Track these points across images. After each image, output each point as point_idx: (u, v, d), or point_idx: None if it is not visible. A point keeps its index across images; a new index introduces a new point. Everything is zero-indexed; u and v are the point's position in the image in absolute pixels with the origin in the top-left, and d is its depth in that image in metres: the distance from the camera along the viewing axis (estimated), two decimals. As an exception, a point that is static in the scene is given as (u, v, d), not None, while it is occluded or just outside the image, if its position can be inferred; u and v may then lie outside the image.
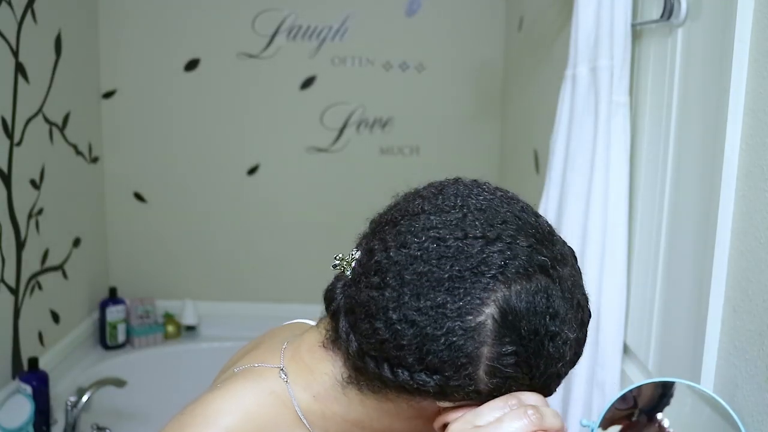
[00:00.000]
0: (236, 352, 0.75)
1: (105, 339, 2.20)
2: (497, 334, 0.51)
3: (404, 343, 0.52)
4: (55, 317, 1.94)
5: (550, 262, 0.54)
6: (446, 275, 0.52)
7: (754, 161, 0.75)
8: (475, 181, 0.59)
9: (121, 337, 2.22)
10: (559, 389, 1.20)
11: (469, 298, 0.51)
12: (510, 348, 0.52)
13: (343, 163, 2.33)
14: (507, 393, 0.54)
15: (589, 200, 1.11)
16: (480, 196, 0.56)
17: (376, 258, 0.55)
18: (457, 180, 0.60)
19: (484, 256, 0.52)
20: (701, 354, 0.84)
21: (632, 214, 1.13)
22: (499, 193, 0.58)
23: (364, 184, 2.30)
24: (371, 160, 2.33)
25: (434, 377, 0.52)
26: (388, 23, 2.28)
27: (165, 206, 2.35)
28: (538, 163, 1.72)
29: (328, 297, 0.60)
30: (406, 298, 0.52)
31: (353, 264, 0.58)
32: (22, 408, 1.59)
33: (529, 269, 0.52)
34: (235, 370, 0.63)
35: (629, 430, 0.81)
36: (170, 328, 2.32)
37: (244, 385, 0.60)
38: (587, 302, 0.58)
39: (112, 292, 2.24)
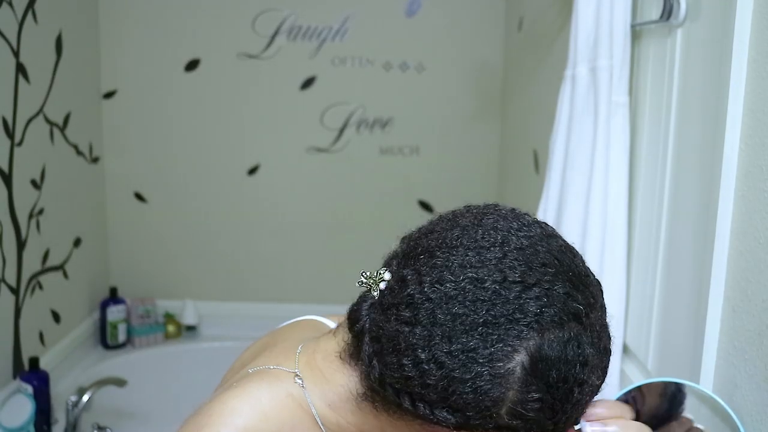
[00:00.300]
0: (244, 351, 0.75)
1: (105, 339, 2.20)
2: (525, 381, 0.51)
3: (430, 383, 0.51)
4: (56, 317, 1.94)
5: (584, 309, 0.54)
6: (481, 320, 0.51)
7: (753, 161, 0.76)
8: (513, 210, 0.58)
9: (121, 337, 2.22)
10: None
11: (501, 345, 0.51)
12: (536, 395, 0.51)
13: (343, 163, 2.33)
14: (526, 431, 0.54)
15: (589, 200, 1.12)
16: (521, 231, 0.55)
17: (409, 291, 0.53)
18: (496, 208, 0.58)
19: (521, 302, 0.51)
20: (700, 354, 0.84)
21: (632, 214, 1.13)
22: (539, 230, 0.56)
23: (364, 184, 2.31)
24: (371, 160, 2.33)
25: (456, 415, 0.52)
26: (388, 23, 2.28)
27: (165, 206, 2.35)
28: (538, 163, 1.72)
29: (353, 317, 0.59)
30: (437, 339, 0.51)
31: (381, 285, 0.57)
32: (23, 407, 1.59)
33: (564, 318, 0.52)
34: (249, 370, 0.62)
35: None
36: (171, 328, 2.32)
37: (259, 385, 0.59)
38: (611, 343, 0.57)
39: (113, 291, 2.24)
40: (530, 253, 0.54)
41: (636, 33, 1.12)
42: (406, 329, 0.52)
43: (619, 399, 0.84)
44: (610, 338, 0.57)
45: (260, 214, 2.36)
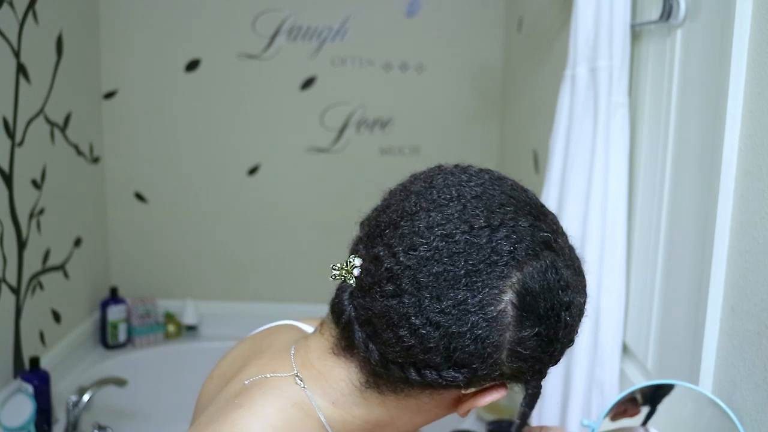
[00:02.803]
0: (220, 360, 0.72)
1: (106, 338, 2.21)
2: (518, 318, 0.53)
3: (431, 345, 0.52)
4: (57, 317, 1.94)
5: (551, 236, 0.56)
6: (462, 271, 0.52)
7: (752, 161, 0.76)
8: (457, 165, 0.60)
9: (122, 337, 2.22)
10: (559, 388, 1.21)
11: (487, 289, 0.52)
12: (531, 330, 0.53)
13: (343, 163, 2.33)
14: (530, 371, 0.55)
15: (589, 200, 1.12)
16: (471, 182, 0.57)
17: (386, 266, 0.54)
18: (440, 168, 0.60)
19: (493, 245, 0.53)
20: (700, 354, 0.85)
21: (631, 214, 1.13)
22: (487, 176, 0.59)
23: (365, 184, 2.30)
24: (371, 160, 2.33)
25: (462, 371, 0.53)
26: (388, 24, 2.28)
27: (166, 206, 2.35)
28: (538, 163, 1.72)
29: (337, 310, 0.59)
30: (427, 301, 0.52)
31: (354, 272, 0.57)
32: (24, 407, 1.59)
33: (536, 248, 0.54)
34: (246, 382, 0.60)
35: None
36: (171, 328, 2.33)
37: (264, 400, 0.58)
38: (582, 263, 0.60)
39: (113, 291, 2.24)
40: (487, 198, 0.56)
41: (636, 33, 1.12)
42: (394, 302, 0.53)
43: (620, 401, 0.84)
44: (579, 259, 0.59)
45: (260, 214, 2.36)
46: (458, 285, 0.52)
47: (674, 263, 0.97)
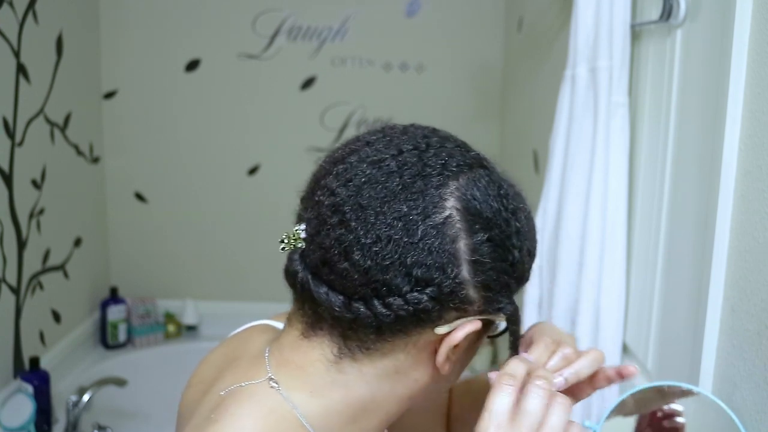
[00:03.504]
0: (199, 365, 0.71)
1: (106, 338, 2.21)
2: (466, 223, 0.53)
3: (387, 263, 0.52)
4: (56, 317, 1.94)
5: (481, 157, 0.59)
6: (399, 187, 0.53)
7: (752, 161, 0.76)
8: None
9: (122, 337, 2.23)
10: (559, 389, 1.21)
11: (428, 197, 0.53)
12: (483, 235, 0.54)
13: (343, 163, 2.33)
14: (499, 295, 0.56)
15: (589, 200, 1.12)
16: (394, 125, 0.60)
17: (326, 203, 0.55)
18: (358, 137, 0.62)
19: (424, 161, 0.55)
20: (700, 353, 0.85)
21: (631, 214, 1.13)
22: (409, 123, 0.61)
23: (365, 184, 2.30)
24: (371, 160, 2.33)
25: (426, 290, 0.53)
26: (388, 24, 2.28)
27: (166, 206, 2.35)
28: (538, 163, 1.72)
29: (291, 273, 0.59)
30: (372, 218, 0.53)
31: (301, 235, 0.58)
32: (24, 407, 1.59)
33: (468, 161, 0.56)
34: (222, 393, 0.59)
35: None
36: (171, 328, 2.33)
37: (241, 411, 0.56)
38: (520, 191, 0.62)
39: (113, 291, 2.24)
40: (411, 132, 0.58)
41: (636, 33, 1.12)
42: (342, 230, 0.54)
43: (621, 402, 0.84)
44: (517, 186, 0.61)
45: (260, 214, 2.36)
46: (398, 199, 0.53)
47: (674, 263, 0.97)
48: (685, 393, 0.76)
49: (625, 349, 1.14)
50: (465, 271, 0.53)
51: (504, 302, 0.57)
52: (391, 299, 0.53)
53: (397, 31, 2.28)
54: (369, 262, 0.53)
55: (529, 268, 0.60)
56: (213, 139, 2.32)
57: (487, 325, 0.59)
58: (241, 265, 2.39)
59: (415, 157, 0.55)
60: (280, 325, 0.71)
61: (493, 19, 2.28)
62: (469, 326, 0.55)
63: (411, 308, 0.53)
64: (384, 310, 0.53)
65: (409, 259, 0.52)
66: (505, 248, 0.55)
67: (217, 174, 2.34)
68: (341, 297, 0.55)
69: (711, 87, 0.85)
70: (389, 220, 0.52)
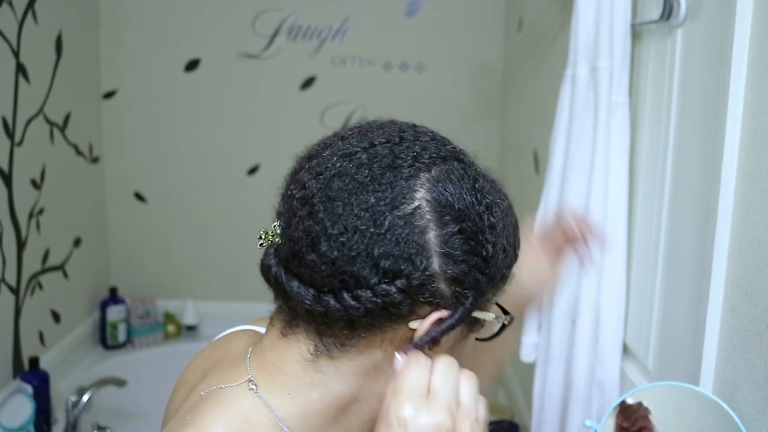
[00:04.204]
0: (185, 370, 0.71)
1: (105, 339, 2.20)
2: (436, 214, 0.52)
3: (354, 254, 0.52)
4: (56, 317, 1.94)
5: (458, 150, 0.57)
6: (367, 178, 0.53)
7: (753, 161, 0.76)
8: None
9: (121, 337, 2.22)
10: (559, 388, 1.21)
11: (397, 188, 0.52)
12: (453, 227, 0.52)
13: (343, 163, 2.33)
14: (466, 282, 0.53)
15: (589, 200, 1.12)
16: (374, 121, 0.59)
17: (297, 196, 0.55)
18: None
19: (395, 154, 0.54)
20: (700, 353, 0.84)
21: (632, 214, 1.13)
22: (389, 119, 0.60)
23: (365, 184, 2.30)
24: (371, 160, 2.33)
25: (396, 283, 0.52)
26: (388, 23, 2.28)
27: (165, 206, 2.35)
28: (538, 163, 1.72)
29: (265, 267, 0.58)
30: (339, 209, 0.52)
31: (278, 231, 0.58)
32: (23, 407, 1.59)
33: (442, 154, 0.55)
34: (202, 393, 0.59)
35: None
36: (171, 328, 2.32)
37: (215, 415, 0.56)
38: (501, 187, 0.60)
39: (113, 291, 2.24)
40: (387, 127, 0.57)
41: (636, 33, 1.12)
42: (310, 221, 0.53)
43: (622, 402, 0.84)
44: (498, 181, 0.60)
45: (260, 214, 2.35)
46: (366, 190, 0.52)
47: (675, 263, 0.97)
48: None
49: (626, 349, 1.14)
50: (435, 264, 0.52)
51: (471, 298, 0.54)
52: (359, 291, 0.52)
53: (397, 31, 2.28)
54: (336, 253, 0.52)
55: (506, 267, 0.57)
56: (213, 139, 2.32)
57: (472, 324, 0.58)
58: (241, 265, 2.39)
59: (387, 149, 0.54)
60: (262, 329, 0.70)
61: (493, 19, 2.28)
62: (435, 314, 0.54)
63: (380, 301, 0.52)
64: (353, 303, 0.52)
65: (376, 250, 0.51)
66: (478, 242, 0.53)
67: (217, 174, 2.34)
68: (311, 290, 0.54)
69: (712, 87, 0.85)
70: (356, 211, 0.52)
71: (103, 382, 1.82)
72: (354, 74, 2.30)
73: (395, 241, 0.51)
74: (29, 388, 1.63)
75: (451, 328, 0.54)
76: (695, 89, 0.92)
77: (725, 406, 0.76)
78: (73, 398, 1.76)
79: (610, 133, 1.09)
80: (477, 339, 0.62)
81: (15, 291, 1.69)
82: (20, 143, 1.70)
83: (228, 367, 0.62)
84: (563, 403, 1.20)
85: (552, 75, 1.53)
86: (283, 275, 0.56)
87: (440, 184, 0.53)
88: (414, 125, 0.59)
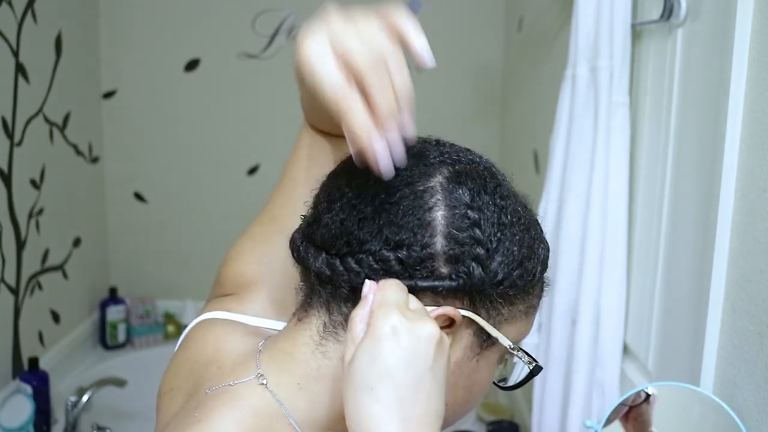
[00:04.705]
0: (165, 373, 0.69)
1: (105, 339, 2.20)
2: (447, 196, 0.54)
3: (361, 216, 0.54)
4: (56, 317, 1.94)
5: (492, 164, 0.60)
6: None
7: (753, 161, 0.76)
8: None
9: (121, 337, 2.22)
10: (559, 388, 1.21)
11: (416, 170, 0.55)
12: (462, 210, 0.53)
13: (343, 163, 2.33)
14: (466, 261, 0.53)
15: (589, 200, 1.11)
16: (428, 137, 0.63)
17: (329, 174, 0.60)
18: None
19: (425, 148, 0.58)
20: (701, 354, 0.84)
21: (632, 214, 1.13)
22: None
23: (364, 184, 2.30)
24: (371, 160, 2.33)
25: (396, 252, 0.53)
26: (388, 23, 2.28)
27: (165, 206, 2.35)
28: (538, 163, 1.72)
29: (291, 240, 0.60)
30: (361, 179, 0.55)
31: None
32: (23, 408, 1.59)
33: (471, 158, 0.59)
34: (208, 391, 0.59)
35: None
36: (171, 328, 2.32)
37: (223, 413, 0.55)
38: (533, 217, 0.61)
39: (113, 291, 2.24)
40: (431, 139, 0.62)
41: (636, 33, 1.12)
42: (330, 185, 0.58)
43: (622, 402, 0.84)
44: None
45: (260, 214, 2.36)
46: (390, 184, 0.55)
47: (675, 263, 0.97)
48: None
49: (626, 350, 1.14)
50: (438, 244, 0.53)
51: (470, 278, 0.53)
52: (362, 255, 0.54)
53: (397, 31, 2.28)
54: (346, 214, 0.55)
55: (518, 278, 0.55)
56: (213, 138, 2.32)
57: (481, 339, 0.56)
58: (241, 265, 2.38)
59: (419, 142, 0.58)
60: (235, 316, 0.70)
61: (493, 19, 2.28)
62: (443, 309, 0.53)
63: (379, 268, 0.53)
64: (355, 266, 0.54)
65: (383, 218, 0.53)
66: (483, 231, 0.53)
67: (217, 174, 2.34)
68: (323, 252, 0.56)
69: (712, 87, 0.85)
70: (372, 182, 0.54)
71: (102, 383, 1.82)
72: (354, 74, 2.30)
73: (402, 212, 0.53)
74: (29, 389, 1.63)
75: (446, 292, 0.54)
76: (695, 89, 0.92)
77: (725, 407, 0.76)
78: (73, 398, 1.76)
79: (610, 133, 1.09)
80: (500, 387, 0.61)
81: (14, 291, 1.69)
82: (20, 143, 1.70)
83: (233, 364, 0.61)
84: (563, 403, 1.20)
85: (552, 75, 1.53)
86: (303, 242, 0.58)
87: (461, 176, 0.55)
88: (456, 146, 0.61)
